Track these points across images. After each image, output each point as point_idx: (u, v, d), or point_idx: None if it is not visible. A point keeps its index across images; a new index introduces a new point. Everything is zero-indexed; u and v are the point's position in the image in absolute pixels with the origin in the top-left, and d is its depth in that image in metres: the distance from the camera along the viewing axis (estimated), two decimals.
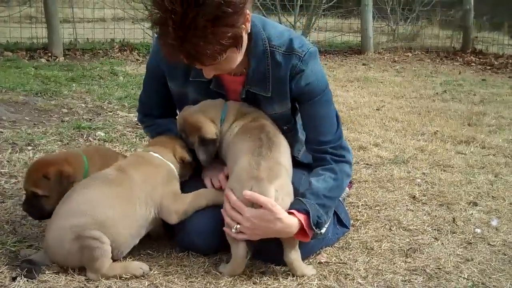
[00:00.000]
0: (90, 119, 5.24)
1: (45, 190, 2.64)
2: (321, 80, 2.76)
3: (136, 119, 5.14)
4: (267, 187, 2.48)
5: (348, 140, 5.03)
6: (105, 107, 5.78)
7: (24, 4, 11.86)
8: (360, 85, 8.11)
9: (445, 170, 4.34)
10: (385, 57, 10.92)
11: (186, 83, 2.80)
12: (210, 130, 2.74)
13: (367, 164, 4.42)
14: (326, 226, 2.68)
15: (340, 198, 3.27)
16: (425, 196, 3.76)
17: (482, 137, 5.32)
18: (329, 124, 2.80)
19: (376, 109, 6.45)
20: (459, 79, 8.93)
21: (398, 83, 8.38)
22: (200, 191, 2.77)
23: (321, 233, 2.64)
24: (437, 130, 5.51)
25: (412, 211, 3.51)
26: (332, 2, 11.66)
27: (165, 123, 3.03)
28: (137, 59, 9.39)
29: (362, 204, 3.58)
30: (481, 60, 10.99)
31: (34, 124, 4.92)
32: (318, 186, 2.67)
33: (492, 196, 3.81)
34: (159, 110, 3.06)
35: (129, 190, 2.57)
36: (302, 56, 2.68)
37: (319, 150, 2.80)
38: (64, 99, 5.98)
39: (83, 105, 5.82)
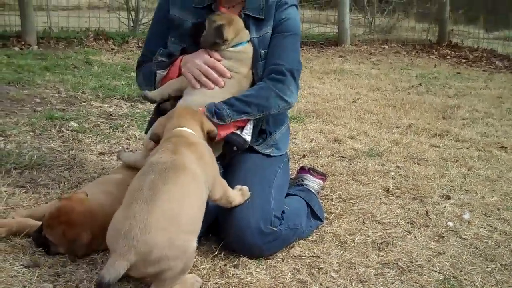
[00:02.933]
0: (63, 109, 5.15)
1: (58, 242, 2.58)
2: (297, 25, 3.08)
3: (114, 109, 5.15)
4: None
5: (323, 133, 5.05)
6: (78, 97, 5.69)
7: None
8: (336, 77, 8.12)
9: (419, 163, 4.37)
10: (362, 49, 10.94)
11: (187, 9, 3.03)
12: (229, 33, 2.91)
13: (342, 156, 4.43)
14: (241, 125, 2.86)
15: (314, 191, 3.31)
16: (398, 189, 3.78)
17: (456, 130, 5.37)
18: (289, 56, 3.01)
19: (352, 102, 6.46)
20: (434, 72, 9.00)
21: (374, 75, 8.41)
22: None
23: (238, 135, 2.83)
24: (411, 123, 5.54)
25: (386, 204, 3.53)
26: None
27: (150, 63, 3.08)
28: (112, 49, 9.25)
29: (336, 197, 3.58)
30: (457, 53, 11.08)
31: (6, 114, 4.83)
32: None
33: (465, 190, 3.85)
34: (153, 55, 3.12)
35: (195, 174, 2.40)
36: None
37: (269, 70, 2.96)
38: (37, 89, 5.88)
39: (56, 94, 5.73)
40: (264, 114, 2.89)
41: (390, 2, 13.03)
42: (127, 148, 4.23)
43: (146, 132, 3.13)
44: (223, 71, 2.87)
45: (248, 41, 2.96)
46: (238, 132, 2.85)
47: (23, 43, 8.88)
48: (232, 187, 2.74)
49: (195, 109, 2.72)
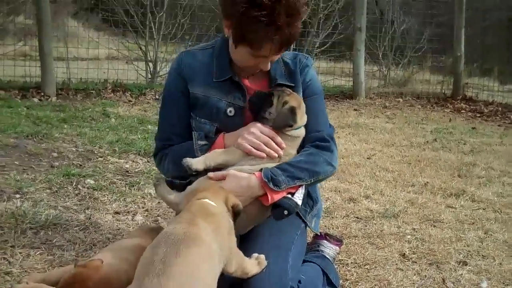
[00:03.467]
0: (80, 165, 5.21)
1: None
2: (319, 84, 3.13)
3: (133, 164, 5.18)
4: None
5: (339, 191, 5.03)
6: (95, 152, 5.75)
7: (19, 41, 11.92)
8: (351, 131, 8.15)
9: (435, 226, 4.33)
10: (377, 103, 11.00)
11: (209, 85, 2.94)
12: (299, 116, 2.89)
13: (357, 217, 4.41)
14: (292, 190, 2.78)
15: (330, 258, 3.28)
16: (415, 254, 3.74)
17: (472, 190, 5.33)
18: (324, 118, 3.05)
19: (367, 158, 6.46)
20: (449, 127, 9.00)
21: (389, 130, 8.43)
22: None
23: (289, 198, 2.75)
24: (427, 182, 5.51)
25: (402, 270, 3.48)
26: (325, 47, 11.84)
27: (182, 146, 2.98)
28: (130, 100, 9.39)
29: (351, 262, 3.54)
30: (471, 107, 11.09)
31: (24, 169, 4.88)
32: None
33: (482, 255, 3.80)
34: (179, 138, 3.02)
35: (210, 247, 2.36)
36: (306, 56, 3.11)
37: (312, 138, 2.95)
38: (54, 142, 5.96)
39: (73, 149, 5.79)
40: (314, 180, 2.87)
41: (405, 55, 13.16)
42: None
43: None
44: (281, 142, 2.84)
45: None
46: (289, 195, 2.80)
47: (42, 94, 9.06)
48: (249, 254, 2.71)
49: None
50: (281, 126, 2.83)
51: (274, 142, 2.83)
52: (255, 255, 2.71)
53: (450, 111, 10.80)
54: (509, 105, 11.26)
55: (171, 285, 2.15)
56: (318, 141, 2.94)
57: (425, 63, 13.39)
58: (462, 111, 10.83)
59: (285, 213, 2.75)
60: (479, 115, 10.49)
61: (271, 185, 2.70)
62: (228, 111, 2.93)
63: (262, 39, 2.67)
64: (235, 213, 2.59)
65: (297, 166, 2.81)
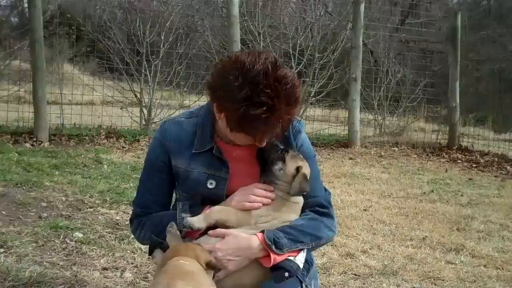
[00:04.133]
0: (69, 216, 5.04)
1: None
2: (311, 147, 3.02)
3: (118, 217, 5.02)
4: None
5: (335, 246, 4.89)
6: (86, 201, 5.60)
7: (14, 84, 11.85)
8: (347, 181, 8.04)
9: (436, 284, 4.19)
10: (372, 152, 10.91)
11: (191, 158, 2.82)
12: None
13: (355, 275, 4.26)
14: (293, 254, 2.70)
15: None
16: None
17: (471, 245, 5.19)
18: (319, 183, 2.96)
19: (364, 210, 6.33)
20: (446, 178, 8.90)
21: (385, 180, 8.32)
22: None
23: (291, 260, 2.67)
24: (425, 236, 5.38)
25: None
26: (320, 96, 11.85)
27: (162, 216, 2.85)
28: (123, 147, 9.28)
29: None
30: (467, 157, 11.03)
31: (10, 220, 4.72)
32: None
33: None
34: (159, 207, 2.92)
35: None
36: (299, 120, 2.96)
37: (311, 204, 2.87)
38: (44, 191, 5.80)
39: (63, 198, 5.64)
40: (315, 244, 2.81)
41: (400, 105, 13.17)
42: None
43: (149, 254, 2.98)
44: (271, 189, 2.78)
45: None
46: (291, 258, 2.70)
47: (35, 139, 8.93)
48: None
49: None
50: (298, 193, 2.77)
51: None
52: None
53: (446, 161, 10.74)
54: (505, 155, 11.20)
55: None
56: (317, 206, 2.87)
57: (420, 113, 13.40)
58: (458, 161, 10.76)
59: (286, 275, 2.65)
60: (475, 165, 10.42)
61: (273, 247, 2.62)
62: (208, 183, 2.82)
63: (262, 133, 2.61)
64: (213, 268, 2.50)
65: (300, 230, 2.74)
